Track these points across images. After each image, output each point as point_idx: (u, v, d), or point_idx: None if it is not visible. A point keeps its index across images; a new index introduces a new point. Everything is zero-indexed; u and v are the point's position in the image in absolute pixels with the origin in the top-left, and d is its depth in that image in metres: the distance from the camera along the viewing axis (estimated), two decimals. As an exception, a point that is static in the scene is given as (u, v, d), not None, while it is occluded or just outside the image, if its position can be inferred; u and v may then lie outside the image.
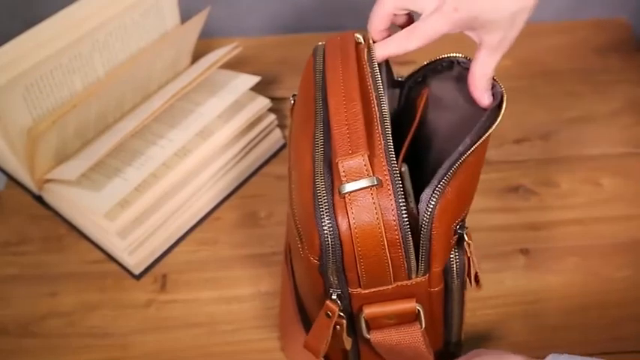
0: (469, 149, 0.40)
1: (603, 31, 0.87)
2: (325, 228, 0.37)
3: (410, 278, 0.40)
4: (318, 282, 0.41)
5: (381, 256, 0.38)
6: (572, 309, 0.59)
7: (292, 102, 0.51)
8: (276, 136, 0.75)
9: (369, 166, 0.37)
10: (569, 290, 0.61)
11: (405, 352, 0.43)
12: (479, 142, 0.41)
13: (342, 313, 0.42)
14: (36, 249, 0.67)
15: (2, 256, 0.67)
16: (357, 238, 0.37)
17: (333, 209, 0.37)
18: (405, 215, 0.37)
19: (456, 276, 0.44)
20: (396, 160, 0.40)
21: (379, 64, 0.46)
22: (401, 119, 0.52)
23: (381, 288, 0.40)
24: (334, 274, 0.40)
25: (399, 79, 0.52)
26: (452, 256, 0.43)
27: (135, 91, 0.71)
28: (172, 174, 0.65)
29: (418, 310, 0.42)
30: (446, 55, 0.48)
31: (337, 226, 0.37)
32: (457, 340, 0.51)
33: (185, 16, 0.72)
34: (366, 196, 0.37)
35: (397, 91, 0.52)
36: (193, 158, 0.66)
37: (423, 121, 0.50)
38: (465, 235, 0.42)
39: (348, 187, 0.37)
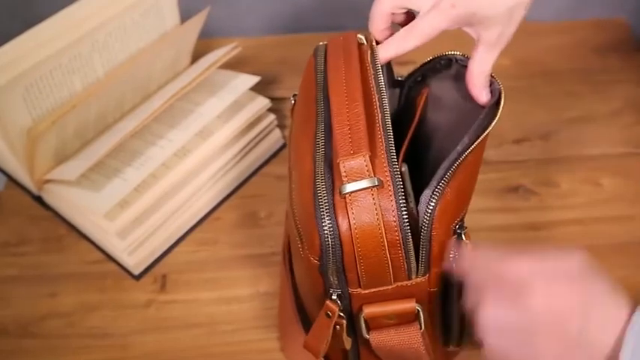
0: (467, 149, 0.40)
1: (603, 31, 0.87)
2: (325, 228, 0.37)
3: (410, 279, 0.40)
4: (318, 282, 0.41)
5: (381, 257, 0.38)
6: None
7: (293, 102, 0.51)
8: (276, 136, 0.75)
9: (371, 166, 0.37)
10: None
11: (404, 353, 0.43)
12: (477, 141, 0.41)
13: (342, 313, 0.42)
14: (36, 249, 0.67)
15: (2, 257, 0.67)
16: (357, 238, 0.37)
17: (334, 209, 0.37)
18: (405, 216, 0.37)
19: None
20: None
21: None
22: (401, 119, 0.52)
23: (381, 288, 0.40)
24: (334, 274, 0.40)
25: (399, 78, 0.52)
26: (451, 256, 0.43)
27: (134, 92, 0.71)
28: (172, 174, 0.65)
29: (418, 311, 0.42)
30: (444, 53, 0.48)
31: (337, 226, 0.37)
32: (458, 341, 0.50)
33: (185, 16, 0.72)
34: (366, 197, 0.37)
35: (397, 90, 0.52)
36: (193, 158, 0.66)
37: (423, 121, 0.49)
38: (463, 236, 0.42)
39: (349, 187, 0.37)
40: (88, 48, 0.64)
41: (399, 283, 0.40)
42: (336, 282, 0.40)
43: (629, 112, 0.77)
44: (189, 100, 0.69)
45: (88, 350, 0.59)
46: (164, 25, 0.72)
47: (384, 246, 0.37)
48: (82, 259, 0.66)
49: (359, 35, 0.48)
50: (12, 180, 0.71)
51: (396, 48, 0.45)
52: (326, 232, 0.37)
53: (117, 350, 0.59)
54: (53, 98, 0.63)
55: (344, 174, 0.38)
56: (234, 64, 0.76)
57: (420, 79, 0.50)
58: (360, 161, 0.38)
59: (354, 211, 0.37)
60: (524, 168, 0.71)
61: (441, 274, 0.43)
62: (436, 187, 0.39)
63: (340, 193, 0.37)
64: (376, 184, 0.37)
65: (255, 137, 0.72)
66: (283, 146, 0.76)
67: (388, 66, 0.50)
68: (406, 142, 0.46)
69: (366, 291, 0.40)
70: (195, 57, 0.77)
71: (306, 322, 0.51)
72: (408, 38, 0.45)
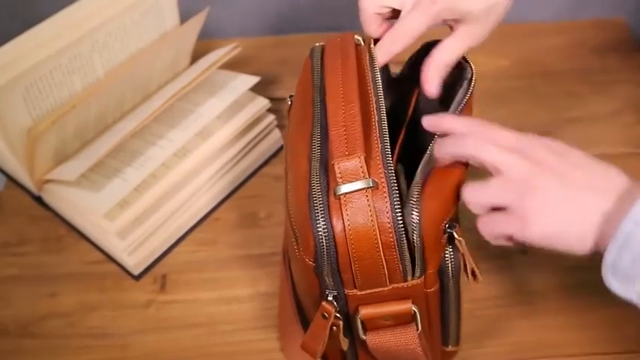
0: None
1: (602, 31, 0.87)
2: (320, 229, 0.37)
3: (406, 280, 0.40)
4: (314, 283, 0.41)
5: (376, 259, 0.38)
6: (572, 309, 0.59)
7: (289, 103, 0.51)
8: (276, 137, 0.75)
9: (365, 168, 0.37)
10: (569, 290, 0.61)
11: (401, 354, 0.43)
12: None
13: (338, 314, 0.42)
14: (35, 249, 0.67)
15: (2, 257, 0.67)
16: (352, 239, 0.37)
17: (328, 210, 0.37)
18: (400, 218, 0.37)
19: (452, 275, 0.44)
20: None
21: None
22: (395, 117, 0.52)
23: (376, 290, 0.40)
24: (329, 276, 0.40)
25: (394, 76, 0.52)
26: (446, 255, 0.43)
27: (134, 92, 0.71)
28: (172, 174, 0.65)
29: (414, 312, 0.42)
30: (426, 42, 0.48)
31: (332, 227, 0.37)
32: (455, 341, 0.50)
33: (184, 17, 0.72)
34: (361, 198, 0.37)
35: (392, 89, 0.52)
36: (193, 159, 0.66)
37: (417, 119, 0.49)
38: (454, 234, 0.42)
39: (344, 188, 0.37)
40: (88, 48, 0.64)
41: (395, 285, 0.40)
42: (332, 283, 0.40)
43: (629, 112, 0.77)
44: (189, 100, 0.69)
45: (88, 350, 0.59)
46: (164, 25, 0.72)
47: (378, 248, 0.37)
48: (81, 259, 0.66)
49: (356, 36, 0.48)
50: (12, 180, 0.71)
51: (383, 55, 0.46)
52: (320, 233, 0.37)
53: (117, 350, 0.59)
54: (53, 98, 0.63)
55: (339, 175, 0.37)
56: (234, 65, 0.76)
57: (409, 74, 0.50)
58: (355, 162, 0.38)
59: (348, 213, 0.37)
60: (524, 168, 0.71)
61: (437, 274, 0.43)
62: (414, 191, 0.39)
63: (335, 194, 0.37)
64: (371, 185, 0.37)
65: (255, 137, 0.72)
66: (283, 147, 0.76)
67: (385, 65, 0.50)
68: (399, 141, 0.46)
69: (362, 292, 0.40)
70: (195, 57, 0.77)
71: (306, 323, 0.51)
72: (395, 41, 0.45)
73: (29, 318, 0.62)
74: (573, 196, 0.38)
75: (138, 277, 0.64)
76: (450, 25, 0.47)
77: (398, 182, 0.39)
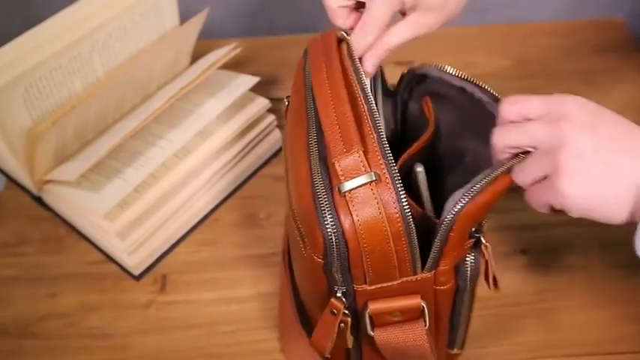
0: (512, 161, 0.40)
1: (602, 31, 0.87)
2: (328, 227, 0.37)
3: (415, 273, 0.40)
4: (322, 280, 0.41)
5: (386, 250, 0.38)
6: (572, 309, 0.59)
7: (286, 103, 0.51)
8: (276, 137, 0.75)
9: (366, 161, 0.38)
10: (569, 290, 0.61)
11: (409, 351, 0.43)
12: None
13: (346, 311, 0.42)
14: (35, 250, 0.67)
15: (2, 257, 0.67)
16: (362, 234, 0.37)
17: (335, 208, 0.37)
18: (406, 206, 0.37)
19: (469, 279, 0.44)
20: (414, 158, 0.39)
21: (375, 74, 0.47)
22: (406, 127, 0.52)
23: (386, 284, 0.40)
24: (339, 272, 0.40)
25: (392, 89, 0.52)
26: (468, 259, 0.43)
27: (134, 92, 0.71)
28: (172, 175, 0.65)
29: (423, 307, 0.42)
30: (417, 68, 0.49)
31: (340, 224, 0.37)
32: (461, 344, 0.51)
33: (184, 17, 0.72)
34: (366, 192, 0.37)
35: (391, 100, 0.53)
36: (193, 159, 0.66)
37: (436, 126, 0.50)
38: (482, 238, 0.42)
39: (347, 185, 0.37)
40: (88, 48, 0.64)
41: (405, 279, 0.40)
42: (341, 279, 0.40)
43: (629, 112, 0.76)
44: (188, 100, 0.69)
45: (87, 351, 0.59)
46: (164, 25, 0.72)
47: (388, 239, 0.37)
48: (81, 260, 0.66)
49: (341, 32, 0.48)
50: (12, 180, 0.71)
51: (360, 50, 0.46)
52: (329, 230, 0.37)
53: (117, 351, 0.59)
54: (53, 99, 0.63)
55: (340, 172, 0.38)
56: (234, 65, 0.76)
57: (413, 87, 0.51)
58: (355, 158, 0.38)
59: (356, 208, 0.37)
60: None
61: (452, 275, 0.43)
62: (470, 189, 0.39)
63: (340, 191, 0.37)
64: (374, 178, 0.37)
65: (255, 138, 0.72)
66: (282, 147, 0.76)
67: (382, 76, 0.51)
68: (418, 144, 0.46)
69: (372, 287, 0.41)
70: (195, 57, 0.77)
71: (307, 323, 0.51)
72: (365, 35, 0.46)
73: (29, 318, 0.62)
74: (607, 158, 0.37)
75: (138, 278, 0.64)
76: (402, 12, 0.47)
77: (417, 181, 0.38)
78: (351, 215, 0.37)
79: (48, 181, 0.65)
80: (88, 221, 0.65)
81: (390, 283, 0.40)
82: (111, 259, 0.66)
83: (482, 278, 0.45)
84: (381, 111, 0.50)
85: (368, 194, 0.37)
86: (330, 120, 0.40)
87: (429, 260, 0.40)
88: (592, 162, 0.37)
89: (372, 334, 0.43)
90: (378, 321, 0.42)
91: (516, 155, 0.40)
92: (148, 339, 0.60)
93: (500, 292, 0.46)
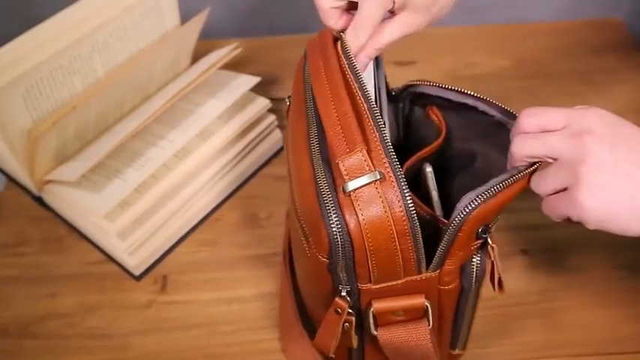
0: (529, 169, 0.40)
1: (601, 31, 0.88)
2: (334, 226, 0.37)
3: (420, 273, 0.40)
4: (327, 280, 0.41)
5: (392, 249, 0.38)
6: (573, 309, 0.59)
7: (288, 104, 0.51)
8: (276, 137, 0.75)
9: (369, 160, 0.38)
10: (570, 290, 0.61)
11: (412, 350, 0.43)
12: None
13: (351, 310, 0.42)
14: (35, 250, 0.67)
15: (2, 257, 0.67)
16: (368, 233, 0.37)
17: (340, 207, 0.37)
18: (411, 205, 0.37)
19: (475, 280, 0.44)
20: (423, 159, 0.40)
21: (378, 77, 0.47)
22: (411, 132, 0.52)
23: (391, 283, 0.40)
24: (344, 271, 0.40)
25: (394, 92, 0.52)
26: (474, 260, 0.43)
27: (135, 92, 0.71)
28: (172, 175, 0.65)
29: (426, 307, 0.42)
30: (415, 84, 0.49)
31: (345, 223, 0.37)
32: (463, 345, 0.51)
33: (185, 17, 0.72)
34: (371, 191, 0.37)
35: (393, 105, 0.53)
36: (193, 159, 0.66)
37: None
38: (489, 239, 0.42)
39: (352, 184, 0.37)
40: (88, 49, 0.64)
41: (409, 278, 0.40)
42: (346, 278, 0.40)
43: (629, 113, 0.76)
44: (189, 100, 0.69)
45: (87, 351, 0.59)
46: (164, 25, 0.72)
47: (393, 238, 0.37)
48: (82, 260, 0.66)
49: (334, 29, 0.48)
50: (12, 180, 0.71)
51: (354, 50, 0.46)
52: (334, 230, 0.37)
53: (117, 351, 0.59)
54: (53, 99, 0.63)
55: (344, 172, 0.38)
56: (235, 65, 0.76)
57: (414, 96, 0.51)
58: (359, 157, 0.38)
59: (361, 207, 0.37)
60: (524, 168, 0.71)
61: (457, 275, 0.43)
62: (484, 192, 0.39)
63: (344, 191, 0.37)
64: (378, 177, 0.37)
65: (256, 138, 0.72)
66: (283, 147, 0.76)
67: (384, 77, 0.51)
68: (430, 148, 0.47)
69: (376, 286, 0.41)
70: (196, 58, 0.77)
71: (307, 323, 0.51)
72: (358, 35, 0.46)
73: (29, 318, 0.62)
74: (628, 170, 0.37)
75: (138, 278, 0.64)
76: (391, 11, 0.47)
77: (427, 181, 0.38)
78: (357, 214, 0.37)
79: (48, 181, 0.65)
80: (88, 221, 0.65)
81: (394, 282, 0.40)
82: (111, 259, 0.66)
83: (485, 279, 0.45)
84: (385, 109, 0.50)
85: (373, 193, 0.37)
86: (331, 120, 0.40)
87: (434, 259, 0.40)
88: (612, 175, 0.37)
89: (376, 333, 0.43)
90: (381, 320, 0.42)
91: (532, 164, 0.40)
92: (148, 339, 0.60)
93: (503, 293, 0.46)
